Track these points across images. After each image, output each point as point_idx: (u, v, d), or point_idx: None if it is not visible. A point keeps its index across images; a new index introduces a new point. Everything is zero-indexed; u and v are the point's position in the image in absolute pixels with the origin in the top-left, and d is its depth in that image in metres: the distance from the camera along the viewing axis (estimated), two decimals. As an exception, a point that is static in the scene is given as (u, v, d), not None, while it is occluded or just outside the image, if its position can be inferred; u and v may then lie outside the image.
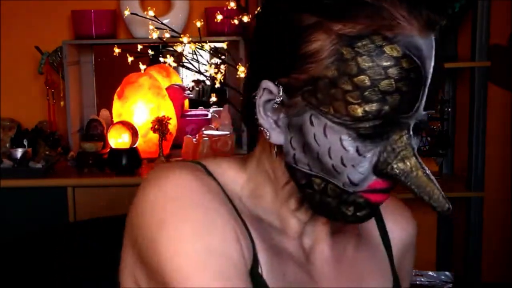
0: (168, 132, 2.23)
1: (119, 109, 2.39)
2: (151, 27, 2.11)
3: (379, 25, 0.63)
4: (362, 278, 0.82)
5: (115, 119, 2.38)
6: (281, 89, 0.69)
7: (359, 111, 0.64)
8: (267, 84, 0.70)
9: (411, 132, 0.67)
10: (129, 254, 0.73)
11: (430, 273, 2.36)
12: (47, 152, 2.37)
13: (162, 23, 2.12)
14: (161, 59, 2.23)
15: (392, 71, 0.63)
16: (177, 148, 2.38)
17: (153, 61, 2.39)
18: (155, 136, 2.27)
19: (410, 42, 0.63)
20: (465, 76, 2.38)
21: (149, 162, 2.28)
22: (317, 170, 0.69)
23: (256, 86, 0.71)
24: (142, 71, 2.35)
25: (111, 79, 2.53)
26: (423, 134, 2.33)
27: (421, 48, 0.64)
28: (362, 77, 0.64)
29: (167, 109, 2.37)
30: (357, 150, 0.67)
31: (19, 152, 2.23)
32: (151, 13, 2.11)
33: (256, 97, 0.71)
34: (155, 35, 2.09)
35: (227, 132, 2.30)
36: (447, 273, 2.35)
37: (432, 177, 0.68)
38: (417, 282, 2.34)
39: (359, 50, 0.63)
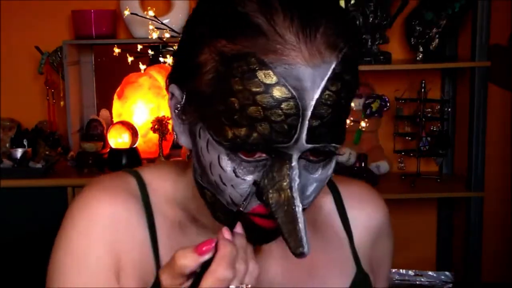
0: (168, 132, 2.23)
1: (119, 109, 2.39)
2: (151, 27, 2.10)
3: (259, 48, 0.60)
4: (315, 269, 0.80)
5: (115, 119, 2.38)
6: (185, 95, 0.69)
7: (229, 133, 0.62)
8: (173, 88, 0.71)
9: (294, 163, 0.63)
10: None
11: (430, 273, 2.36)
12: (47, 152, 2.36)
13: (162, 23, 2.12)
14: (161, 59, 2.23)
15: (261, 98, 0.60)
16: (177, 148, 2.38)
17: (153, 61, 2.38)
18: (155, 136, 2.27)
19: (287, 70, 0.59)
20: (465, 76, 2.37)
21: (149, 162, 2.28)
22: (206, 184, 0.70)
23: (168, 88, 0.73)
24: (142, 71, 2.35)
25: (111, 79, 2.53)
26: (422, 134, 2.33)
27: (303, 78, 0.59)
28: (232, 99, 0.61)
29: (167, 109, 2.37)
30: (234, 171, 0.65)
31: (19, 152, 2.24)
32: (151, 13, 2.11)
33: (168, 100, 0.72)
34: (155, 35, 2.09)
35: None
36: (447, 273, 2.35)
37: (300, 217, 0.63)
38: (417, 282, 2.34)
39: (233, 71, 0.61)
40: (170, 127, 2.24)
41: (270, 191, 0.64)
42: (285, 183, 0.63)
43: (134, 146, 2.20)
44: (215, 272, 0.61)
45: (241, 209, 0.66)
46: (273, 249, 0.79)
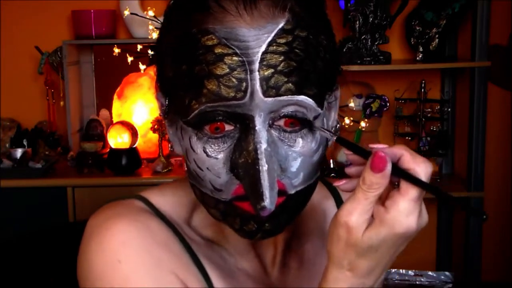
0: (168, 132, 2.23)
1: (119, 109, 2.39)
2: (151, 27, 2.11)
3: (204, 21, 0.63)
4: None
5: (115, 119, 2.38)
6: (167, 99, 0.70)
7: (186, 99, 0.64)
8: (158, 96, 0.72)
9: (258, 126, 0.62)
10: None
11: (430, 273, 2.36)
12: (46, 152, 2.37)
13: (161, 23, 2.12)
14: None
15: (204, 57, 0.62)
16: (177, 148, 2.37)
17: (153, 61, 2.38)
18: (154, 136, 2.27)
19: (228, 32, 0.62)
20: (465, 76, 2.38)
21: (149, 162, 2.28)
22: (192, 180, 0.69)
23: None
24: (142, 71, 2.35)
25: (111, 79, 2.53)
26: (422, 134, 2.33)
27: (244, 38, 0.62)
28: (183, 67, 0.64)
29: (167, 109, 2.37)
30: (205, 151, 0.65)
31: (19, 152, 2.24)
32: (151, 13, 2.11)
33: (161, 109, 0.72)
34: (155, 35, 2.09)
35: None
36: (447, 273, 2.35)
37: (263, 175, 0.62)
38: (417, 282, 2.34)
39: (182, 46, 0.64)
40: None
41: (239, 160, 0.63)
42: (250, 147, 0.62)
43: (134, 146, 2.20)
44: (407, 194, 0.58)
45: (223, 197, 0.65)
46: (287, 264, 0.79)
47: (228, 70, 0.61)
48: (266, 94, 0.62)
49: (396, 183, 0.60)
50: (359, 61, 2.24)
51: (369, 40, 2.26)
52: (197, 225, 0.76)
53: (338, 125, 0.74)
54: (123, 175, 2.16)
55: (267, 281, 0.77)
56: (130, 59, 2.19)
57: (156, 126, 2.20)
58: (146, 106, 2.36)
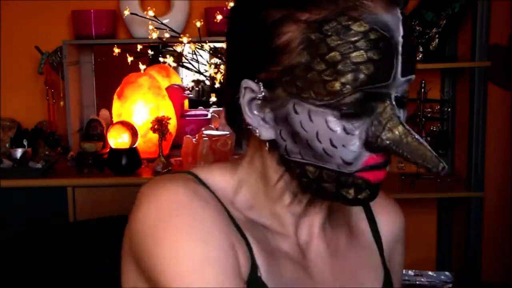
0: (168, 132, 2.23)
1: (119, 109, 2.39)
2: (151, 27, 2.11)
3: (343, 7, 0.66)
4: (355, 271, 0.83)
5: (115, 119, 2.38)
6: (261, 85, 0.71)
7: (337, 85, 0.67)
8: (247, 83, 0.72)
9: (394, 102, 0.69)
10: (130, 263, 0.75)
11: (430, 273, 2.36)
12: (46, 152, 2.37)
13: (162, 23, 2.12)
14: (161, 59, 2.23)
15: (361, 44, 0.66)
16: (176, 148, 2.38)
17: (152, 61, 2.39)
18: (154, 136, 2.27)
19: (375, 18, 0.66)
20: (465, 76, 2.38)
21: (149, 162, 2.28)
22: (309, 158, 0.71)
23: (237, 86, 0.73)
24: (142, 71, 2.35)
25: (111, 79, 2.53)
26: (422, 134, 2.33)
27: (387, 22, 0.67)
28: (332, 53, 0.66)
29: (167, 109, 2.37)
30: (344, 129, 0.68)
31: (19, 152, 2.24)
32: (151, 13, 2.11)
33: (239, 98, 0.73)
34: (154, 35, 2.10)
35: (227, 132, 2.30)
36: (447, 273, 2.35)
37: (422, 141, 0.69)
38: (417, 282, 2.34)
39: (327, 33, 0.67)
40: (169, 127, 2.24)
41: (383, 133, 0.69)
42: (395, 121, 0.69)
43: (134, 146, 2.20)
44: None
45: (349, 169, 0.70)
46: (321, 250, 0.82)
47: (381, 55, 0.66)
48: (403, 74, 0.68)
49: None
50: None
51: (369, 40, 2.26)
52: (241, 206, 0.78)
53: None
54: (123, 175, 2.16)
55: (305, 264, 0.80)
56: (130, 59, 2.19)
57: (156, 126, 2.20)
58: (146, 106, 2.36)
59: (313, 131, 0.69)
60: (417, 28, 2.34)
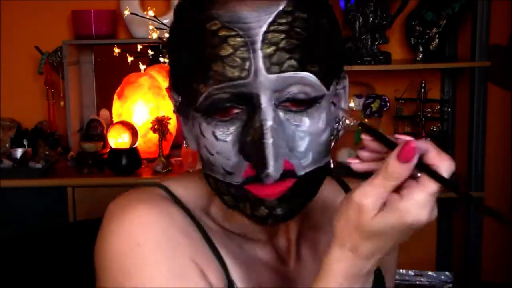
0: (168, 132, 2.23)
1: (119, 109, 2.39)
2: (151, 27, 2.11)
3: (209, 7, 0.66)
4: None
5: (115, 119, 2.38)
6: (179, 95, 0.72)
7: (195, 85, 0.66)
8: (172, 94, 0.73)
9: (264, 105, 0.64)
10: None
11: (430, 273, 2.35)
12: (47, 152, 2.37)
13: (162, 23, 2.12)
14: (161, 59, 2.23)
15: (209, 41, 0.65)
16: (177, 148, 2.38)
17: (153, 61, 2.38)
18: (155, 136, 2.27)
19: (232, 16, 0.64)
20: (465, 76, 2.37)
21: (149, 162, 2.28)
22: (205, 168, 0.71)
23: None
24: (142, 71, 2.35)
25: (111, 79, 2.53)
26: (422, 134, 2.33)
27: (246, 19, 0.64)
28: (191, 53, 0.67)
29: (167, 109, 2.37)
30: (214, 135, 0.67)
31: (19, 152, 2.23)
32: (151, 13, 2.11)
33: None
34: (155, 35, 2.10)
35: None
36: (447, 273, 2.35)
37: (268, 147, 0.63)
38: (417, 282, 2.34)
39: (192, 34, 0.67)
40: (170, 127, 2.24)
41: (247, 139, 0.65)
42: (257, 125, 0.64)
43: (134, 146, 2.20)
44: (425, 187, 0.58)
45: (235, 180, 0.67)
46: (302, 255, 0.80)
47: (231, 50, 0.64)
48: (269, 71, 0.64)
49: (417, 175, 0.60)
50: (359, 61, 2.24)
51: (369, 40, 2.26)
52: (215, 215, 0.77)
53: (344, 119, 0.75)
54: (123, 175, 2.16)
55: (283, 271, 0.78)
56: (130, 59, 2.19)
57: (156, 126, 2.20)
58: (146, 106, 2.36)
59: (196, 137, 0.69)
60: (417, 28, 2.34)
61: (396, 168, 0.58)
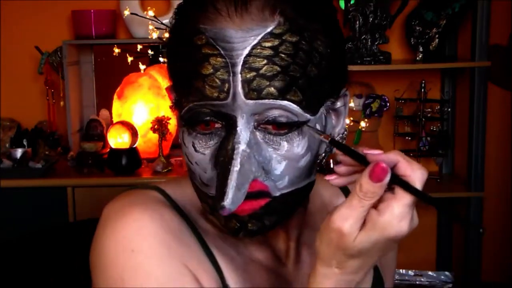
0: (168, 132, 2.23)
1: (119, 109, 2.39)
2: (151, 27, 2.11)
3: (197, 20, 0.65)
4: None
5: (115, 119, 2.38)
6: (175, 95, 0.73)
7: (179, 95, 0.68)
8: (170, 93, 0.74)
9: (240, 126, 0.64)
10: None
11: (430, 273, 2.36)
12: (46, 152, 2.36)
13: (162, 23, 2.12)
14: (161, 59, 2.23)
15: (192, 56, 0.65)
16: (177, 148, 2.37)
17: (153, 61, 2.39)
18: (154, 136, 2.27)
19: (218, 33, 0.63)
20: (465, 76, 2.38)
21: (149, 162, 2.28)
22: (189, 174, 0.71)
23: None
24: (142, 71, 2.35)
25: (111, 79, 2.53)
26: (422, 134, 2.33)
27: (230, 39, 0.63)
28: (178, 64, 0.68)
29: (167, 109, 2.37)
30: (193, 146, 0.67)
31: (19, 152, 2.23)
32: (151, 13, 2.11)
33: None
34: (155, 35, 2.10)
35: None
36: (447, 273, 2.35)
37: (233, 175, 0.63)
38: (417, 282, 2.34)
39: (180, 43, 0.67)
40: (170, 127, 2.24)
41: (219, 158, 0.65)
42: (229, 147, 0.64)
43: (134, 146, 2.20)
44: (401, 199, 0.59)
45: (210, 192, 0.67)
46: (301, 256, 0.80)
47: (212, 70, 0.63)
48: (247, 96, 0.63)
49: (391, 186, 0.60)
50: (359, 61, 2.24)
51: (369, 40, 2.26)
52: (213, 218, 0.76)
53: (345, 132, 0.74)
54: (123, 175, 2.16)
55: (282, 272, 0.78)
56: (130, 59, 2.19)
57: (156, 126, 2.20)
58: (146, 106, 2.36)
59: (181, 144, 0.70)
60: (417, 28, 2.34)
61: (370, 188, 0.59)
